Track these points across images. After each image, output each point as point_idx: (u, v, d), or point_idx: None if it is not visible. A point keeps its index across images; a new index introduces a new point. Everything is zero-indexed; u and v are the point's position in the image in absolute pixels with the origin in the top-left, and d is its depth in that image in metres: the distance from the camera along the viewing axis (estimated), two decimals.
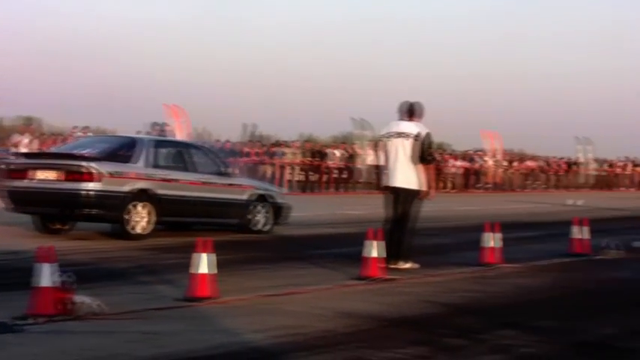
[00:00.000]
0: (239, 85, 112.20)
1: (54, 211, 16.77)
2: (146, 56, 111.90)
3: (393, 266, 12.87)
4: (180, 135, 36.85)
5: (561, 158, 62.20)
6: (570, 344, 8.23)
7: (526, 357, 7.61)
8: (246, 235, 18.28)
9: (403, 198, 13.29)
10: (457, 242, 18.05)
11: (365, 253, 12.09)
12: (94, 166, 16.08)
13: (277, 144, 46.43)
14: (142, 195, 16.70)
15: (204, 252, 9.91)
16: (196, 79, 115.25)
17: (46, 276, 8.39)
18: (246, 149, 42.56)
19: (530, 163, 59.12)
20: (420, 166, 13.25)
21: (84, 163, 16.14)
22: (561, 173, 60.23)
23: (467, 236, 18.65)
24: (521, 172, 56.82)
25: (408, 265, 13.14)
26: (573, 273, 13.76)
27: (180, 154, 18.36)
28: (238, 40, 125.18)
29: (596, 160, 63.53)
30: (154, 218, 16.88)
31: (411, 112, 13.54)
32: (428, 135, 13.26)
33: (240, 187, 18.87)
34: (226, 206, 18.40)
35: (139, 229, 16.63)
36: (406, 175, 13.22)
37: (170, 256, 14.31)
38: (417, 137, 13.19)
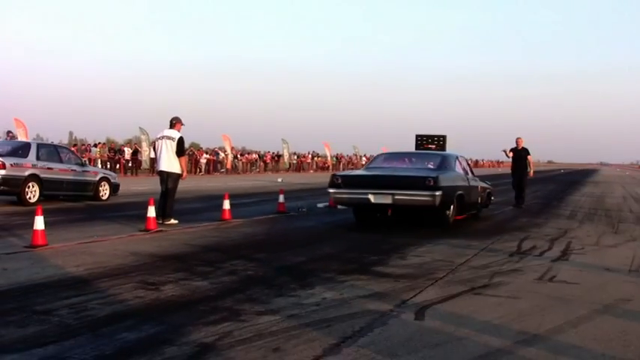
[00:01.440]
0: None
1: None
2: None
3: (162, 221, 12.95)
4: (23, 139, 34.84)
5: (273, 152, 63.59)
6: (276, 268, 8.46)
7: (247, 277, 7.79)
8: (86, 203, 18.47)
9: (167, 178, 13.45)
10: (206, 206, 18.10)
11: (148, 214, 12.14)
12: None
13: (95, 145, 44.93)
14: (33, 178, 17.08)
15: (40, 215, 9.71)
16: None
17: None
18: (71, 148, 40.99)
19: (251, 156, 60.09)
20: (178, 158, 13.53)
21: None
22: (271, 161, 61.54)
23: (212, 202, 18.80)
24: (245, 161, 57.47)
25: (172, 222, 13.18)
26: (278, 224, 14.06)
27: (56, 152, 18.62)
28: None
29: (294, 153, 65.50)
30: (39, 192, 17.27)
31: (172, 123, 13.74)
32: (181, 138, 13.57)
33: (92, 173, 19.51)
34: (86, 184, 18.95)
35: (32, 199, 16.99)
36: (170, 163, 13.48)
37: (19, 218, 13.76)
38: (175, 139, 13.49)
